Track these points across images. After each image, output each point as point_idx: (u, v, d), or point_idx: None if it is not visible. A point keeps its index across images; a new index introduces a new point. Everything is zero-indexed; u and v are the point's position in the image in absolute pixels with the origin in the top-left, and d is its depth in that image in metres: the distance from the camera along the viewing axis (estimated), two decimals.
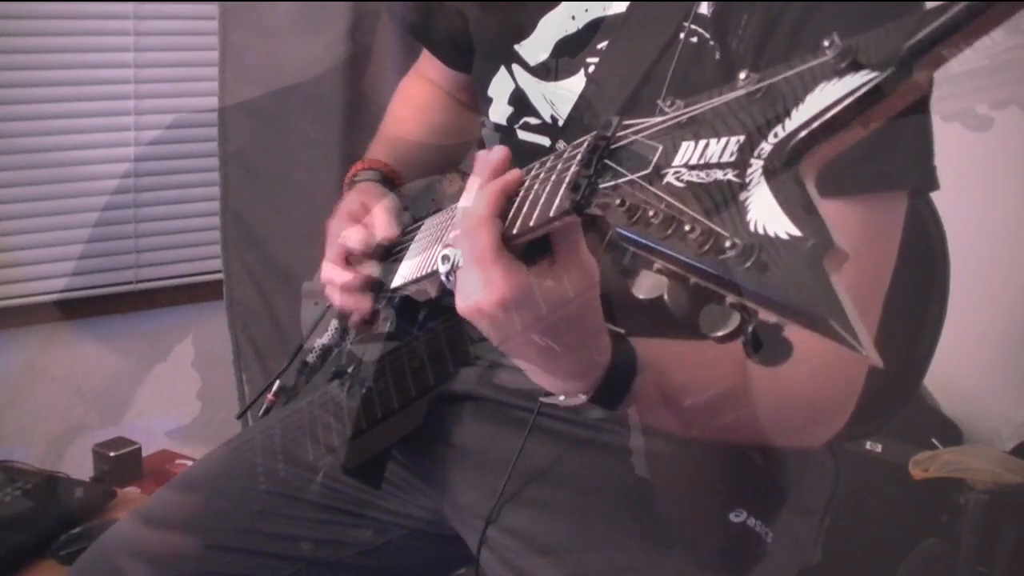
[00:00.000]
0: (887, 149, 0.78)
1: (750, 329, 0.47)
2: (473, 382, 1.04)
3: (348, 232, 1.00)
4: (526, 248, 0.67)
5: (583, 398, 0.75)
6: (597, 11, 0.97)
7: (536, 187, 0.65)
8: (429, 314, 1.00)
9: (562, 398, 0.76)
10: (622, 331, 0.75)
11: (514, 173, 0.69)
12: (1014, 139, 1.03)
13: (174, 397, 2.36)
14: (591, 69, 0.96)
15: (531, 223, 0.64)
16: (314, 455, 1.09)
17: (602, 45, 0.95)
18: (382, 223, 1.01)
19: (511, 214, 0.67)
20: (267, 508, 1.07)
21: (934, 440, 2.09)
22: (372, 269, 1.01)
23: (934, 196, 0.95)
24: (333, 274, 1.02)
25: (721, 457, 0.96)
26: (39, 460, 2.06)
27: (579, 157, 0.60)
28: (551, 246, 0.67)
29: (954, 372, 1.63)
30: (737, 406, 0.81)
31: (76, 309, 2.20)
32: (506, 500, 0.98)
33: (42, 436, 2.18)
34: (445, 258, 0.70)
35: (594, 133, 0.60)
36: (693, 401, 0.79)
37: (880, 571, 2.01)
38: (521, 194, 0.67)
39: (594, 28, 0.97)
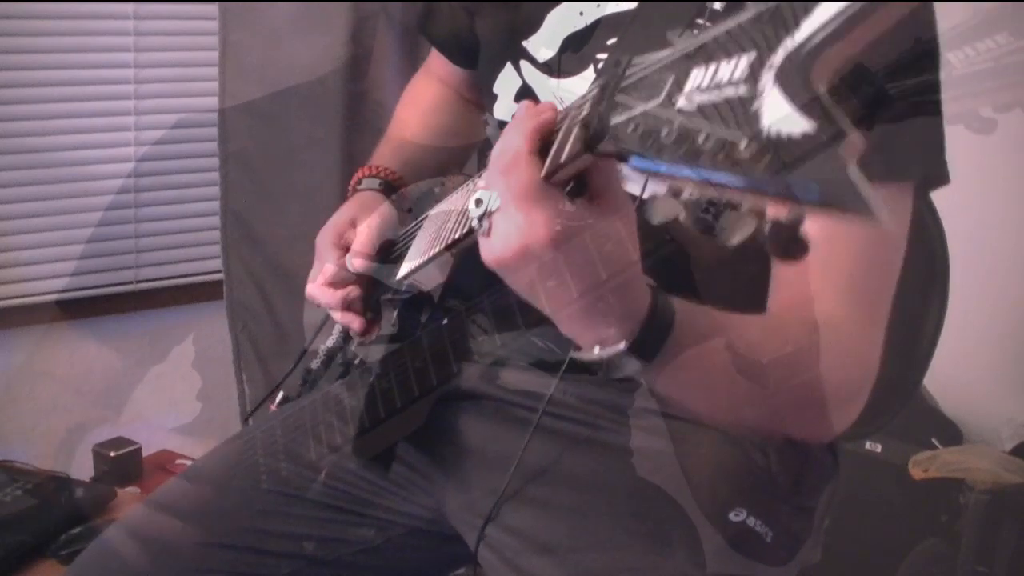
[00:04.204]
0: (895, 141, 0.78)
1: (769, 227, 0.47)
2: (475, 380, 1.04)
3: (328, 261, 1.06)
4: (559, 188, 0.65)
5: (623, 346, 0.70)
6: (607, 8, 0.97)
7: (562, 129, 0.64)
8: (433, 313, 1.01)
9: (597, 349, 0.71)
10: (654, 283, 0.72)
11: (549, 114, 0.66)
12: (1016, 142, 1.03)
13: (174, 397, 2.36)
14: (600, 66, 0.96)
15: (561, 160, 0.62)
16: (316, 454, 1.09)
17: (611, 41, 0.96)
18: (361, 241, 1.05)
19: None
20: (268, 507, 1.07)
21: (934, 440, 2.10)
22: (354, 295, 1.04)
23: (937, 197, 0.96)
24: (317, 295, 1.07)
25: (721, 456, 0.96)
26: (39, 460, 2.06)
27: (591, 99, 0.59)
28: (586, 185, 0.65)
29: (954, 372, 1.64)
30: (761, 379, 0.79)
31: (76, 309, 2.20)
32: (506, 499, 0.98)
33: (42, 436, 2.17)
34: (478, 201, 0.66)
35: (604, 75, 0.59)
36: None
37: (880, 571, 2.01)
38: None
39: (604, 24, 0.97)
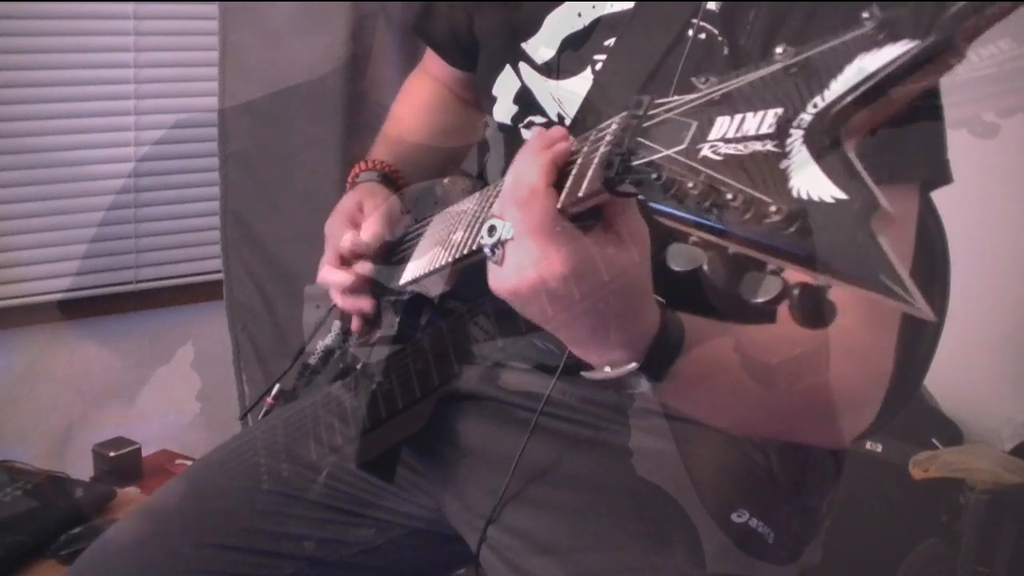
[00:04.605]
0: (898, 143, 0.78)
1: (796, 292, 0.47)
2: (476, 381, 1.04)
3: (344, 236, 1.01)
4: (573, 219, 0.65)
5: (634, 366, 0.71)
6: (604, 8, 0.97)
7: (578, 162, 0.64)
8: (433, 315, 1.01)
9: (608, 369, 0.72)
10: (663, 301, 0.73)
11: (564, 144, 0.67)
12: (1019, 145, 1.03)
13: (174, 397, 2.36)
14: (598, 67, 0.96)
15: (579, 195, 0.63)
16: (317, 455, 1.09)
17: (609, 42, 0.96)
18: (370, 224, 1.02)
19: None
20: (269, 507, 1.07)
21: (934, 440, 2.10)
22: (368, 270, 1.02)
23: (937, 197, 0.96)
24: (330, 276, 1.04)
25: (723, 457, 0.96)
26: (39, 460, 2.05)
27: (609, 136, 0.59)
28: (600, 214, 0.65)
29: (954, 372, 1.63)
30: (770, 382, 0.79)
31: (76, 309, 2.20)
32: (507, 500, 0.98)
33: (42, 436, 2.17)
34: (492, 229, 0.67)
35: (624, 112, 0.59)
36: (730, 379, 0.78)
37: (880, 571, 2.01)
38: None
39: (602, 25, 0.97)
